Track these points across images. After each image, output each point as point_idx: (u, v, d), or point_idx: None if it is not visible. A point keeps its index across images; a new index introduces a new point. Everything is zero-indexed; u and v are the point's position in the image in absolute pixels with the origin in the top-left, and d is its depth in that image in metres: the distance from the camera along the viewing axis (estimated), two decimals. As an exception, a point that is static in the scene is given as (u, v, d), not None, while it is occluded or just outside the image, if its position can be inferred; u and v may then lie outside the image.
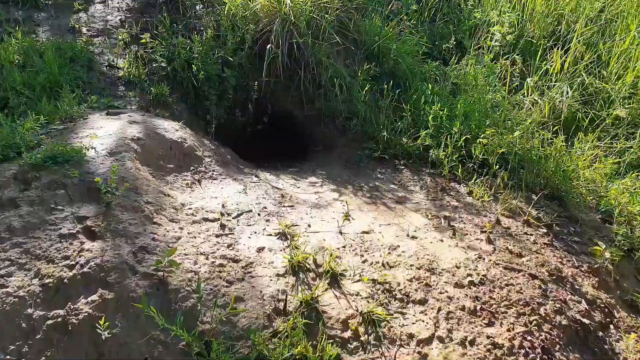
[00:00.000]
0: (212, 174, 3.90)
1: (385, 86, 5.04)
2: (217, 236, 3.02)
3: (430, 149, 4.48)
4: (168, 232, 2.92)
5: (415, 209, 3.69)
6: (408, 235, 3.25)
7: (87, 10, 6.04)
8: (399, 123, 4.82)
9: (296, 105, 5.68)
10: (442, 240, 3.25)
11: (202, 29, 5.93)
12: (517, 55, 5.65)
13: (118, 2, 6.18)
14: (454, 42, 6.23)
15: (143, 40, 5.42)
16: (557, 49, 5.48)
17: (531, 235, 3.50)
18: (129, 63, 5.26)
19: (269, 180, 4.16)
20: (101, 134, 3.55)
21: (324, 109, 5.32)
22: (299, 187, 4.07)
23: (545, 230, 3.60)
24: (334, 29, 5.64)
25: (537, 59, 5.40)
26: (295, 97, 5.64)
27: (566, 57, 5.28)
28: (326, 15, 5.57)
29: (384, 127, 4.78)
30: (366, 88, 5.03)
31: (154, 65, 5.31)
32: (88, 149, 3.29)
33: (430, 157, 4.42)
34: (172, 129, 4.06)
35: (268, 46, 5.54)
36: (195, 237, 2.96)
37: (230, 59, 5.45)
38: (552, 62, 5.30)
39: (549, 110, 4.88)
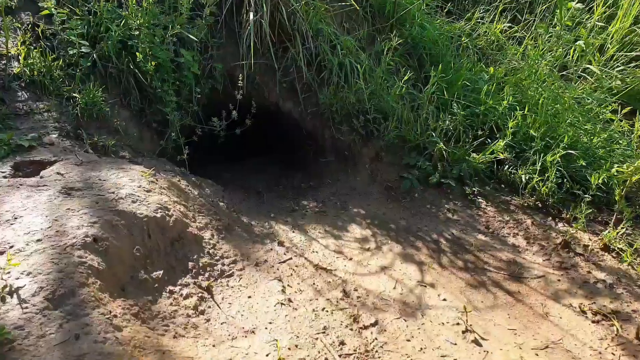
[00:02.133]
0: (224, 266, 2.36)
1: (421, 70, 3.60)
2: None
3: (505, 164, 3.24)
4: None
5: (553, 294, 2.41)
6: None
7: None
8: (446, 121, 3.47)
9: (288, 97, 4.05)
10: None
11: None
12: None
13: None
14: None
15: (45, 12, 3.39)
16: None
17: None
18: (26, 49, 3.26)
19: (300, 248, 2.70)
20: (20, 243, 1.85)
21: (332, 102, 3.77)
22: (351, 259, 2.67)
23: None
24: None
25: None
26: (286, 85, 4.02)
27: None
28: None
29: (436, 134, 3.40)
30: (405, 77, 3.54)
31: (69, 51, 3.35)
32: (4, 300, 1.63)
33: (509, 177, 3.20)
34: (141, 192, 2.37)
35: (243, 11, 3.79)
36: None
37: (185, 34, 3.63)
38: None
39: None
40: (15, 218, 2.01)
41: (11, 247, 1.81)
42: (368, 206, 3.20)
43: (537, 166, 3.11)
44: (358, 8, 3.97)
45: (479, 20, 4.66)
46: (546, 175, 3.06)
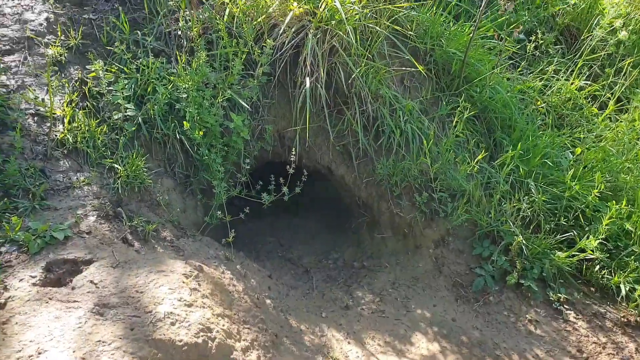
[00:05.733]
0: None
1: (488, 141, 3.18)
2: None
3: (596, 263, 2.77)
4: None
5: None
6: None
7: None
8: (523, 205, 3.03)
9: (341, 162, 3.71)
10: None
11: (181, 38, 3.65)
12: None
13: (39, -12, 3.72)
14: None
15: (92, 74, 3.20)
16: None
17: None
18: (71, 111, 3.05)
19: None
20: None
21: (391, 173, 3.40)
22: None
23: None
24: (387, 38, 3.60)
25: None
26: (340, 148, 3.68)
27: None
28: (380, 19, 3.49)
29: (511, 220, 2.97)
30: (479, 156, 3.13)
31: (114, 115, 3.12)
32: None
33: (601, 280, 2.72)
34: (181, 309, 2.07)
35: (297, 71, 3.49)
36: None
37: (236, 96, 3.36)
38: None
39: None
40: (40, 353, 1.73)
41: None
42: (434, 307, 2.79)
43: (638, 273, 2.63)
44: (422, 70, 3.58)
45: (552, 75, 4.20)
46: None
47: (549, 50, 4.53)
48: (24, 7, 3.53)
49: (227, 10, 3.36)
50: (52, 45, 3.29)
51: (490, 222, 3.05)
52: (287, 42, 3.33)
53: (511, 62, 4.09)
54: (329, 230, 3.94)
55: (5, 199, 2.54)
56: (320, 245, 3.76)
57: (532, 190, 3.12)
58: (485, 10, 3.51)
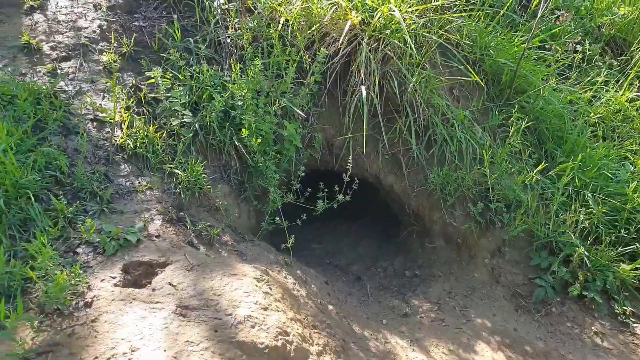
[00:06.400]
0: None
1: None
2: None
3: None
4: None
5: None
6: None
7: (45, 7, 3.60)
8: (581, 216, 3.01)
9: (389, 170, 3.72)
10: None
11: (232, 46, 3.72)
12: None
13: (90, -6, 3.80)
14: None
15: (151, 80, 3.27)
16: None
17: None
18: (129, 117, 3.11)
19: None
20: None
21: (445, 182, 3.40)
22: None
23: None
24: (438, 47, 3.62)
25: None
26: (389, 157, 3.70)
27: None
28: (432, 27, 3.52)
29: (569, 231, 2.95)
30: (536, 169, 3.12)
31: (172, 121, 3.18)
32: None
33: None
34: (258, 312, 2.09)
35: (348, 79, 3.53)
36: None
37: (290, 105, 3.40)
38: None
39: None
40: (133, 351, 1.77)
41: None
42: (494, 317, 2.77)
43: None
44: (478, 80, 3.59)
45: (602, 86, 4.18)
46: None
47: (596, 61, 4.51)
48: (78, 14, 3.62)
49: (282, 19, 3.41)
50: (106, 52, 3.37)
51: (548, 233, 3.03)
52: (341, 50, 3.37)
53: (560, 72, 4.08)
54: (374, 237, 3.95)
55: (78, 202, 2.61)
56: (366, 253, 3.77)
57: (590, 201, 3.10)
58: (540, 23, 3.51)
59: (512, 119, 3.38)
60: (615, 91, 4.08)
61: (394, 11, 3.15)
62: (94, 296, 2.05)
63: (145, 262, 2.29)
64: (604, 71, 4.18)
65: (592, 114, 3.70)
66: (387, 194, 3.78)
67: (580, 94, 3.97)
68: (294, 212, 3.03)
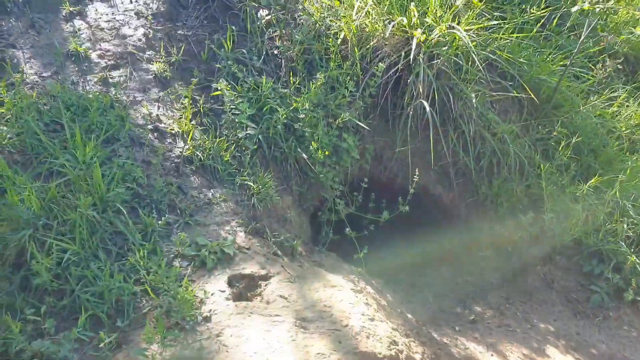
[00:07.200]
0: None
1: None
2: None
3: None
4: None
5: None
6: None
7: (85, 14, 3.41)
8: (624, 226, 3.23)
9: (438, 181, 3.88)
10: None
11: (279, 57, 3.77)
12: None
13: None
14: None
15: (218, 92, 3.32)
16: None
17: None
18: (192, 128, 3.14)
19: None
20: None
21: (497, 194, 3.58)
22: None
23: None
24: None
25: None
26: (437, 168, 3.85)
27: None
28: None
29: (617, 239, 3.17)
30: (575, 180, 3.32)
31: (238, 134, 3.22)
32: None
33: None
34: (368, 322, 2.19)
35: (399, 92, 3.67)
36: None
37: (348, 117, 3.51)
38: None
39: None
40: (266, 365, 1.85)
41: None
42: (555, 322, 2.96)
43: None
44: (521, 96, 3.78)
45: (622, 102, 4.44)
46: None
47: (613, 77, 4.78)
48: (120, 22, 3.54)
49: (342, 35, 3.52)
50: (156, 62, 3.36)
51: (596, 242, 3.24)
52: (395, 65, 3.51)
53: (591, 89, 4.33)
54: (419, 246, 4.08)
55: (165, 215, 2.65)
56: (415, 263, 3.90)
57: (630, 212, 3.32)
58: (582, 44, 3.74)
59: (554, 133, 3.58)
60: (638, 106, 4.35)
61: (453, 29, 3.30)
62: (210, 310, 2.12)
63: (247, 275, 2.36)
64: (627, 88, 4.45)
65: (623, 128, 3.94)
66: (433, 204, 3.93)
67: (607, 109, 4.22)
68: (342, 222, 3.16)
